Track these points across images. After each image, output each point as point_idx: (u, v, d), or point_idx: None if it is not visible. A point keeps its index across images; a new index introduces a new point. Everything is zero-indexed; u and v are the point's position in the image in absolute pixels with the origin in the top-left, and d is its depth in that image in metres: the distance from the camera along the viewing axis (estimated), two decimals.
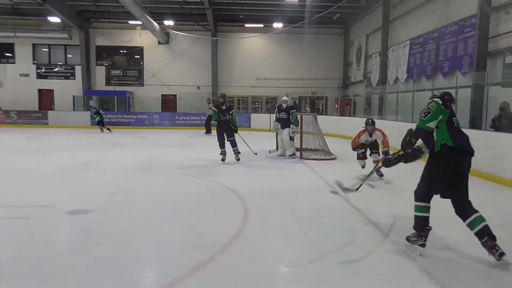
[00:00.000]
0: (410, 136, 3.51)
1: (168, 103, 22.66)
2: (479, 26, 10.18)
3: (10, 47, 22.20)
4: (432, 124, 3.36)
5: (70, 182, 6.65)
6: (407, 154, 3.70)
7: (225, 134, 8.60)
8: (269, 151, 10.22)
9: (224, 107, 8.64)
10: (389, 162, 4.00)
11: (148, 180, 7.04)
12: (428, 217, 3.46)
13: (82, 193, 5.74)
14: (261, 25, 21.71)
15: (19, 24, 21.36)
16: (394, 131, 8.41)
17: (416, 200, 3.50)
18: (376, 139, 6.96)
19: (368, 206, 5.06)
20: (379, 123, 12.19)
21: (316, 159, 9.32)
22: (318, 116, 11.17)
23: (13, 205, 5.05)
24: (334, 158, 9.53)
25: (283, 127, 9.65)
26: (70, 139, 13.94)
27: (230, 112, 8.66)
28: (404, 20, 15.14)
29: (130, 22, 20.50)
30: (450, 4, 12.03)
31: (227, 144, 8.61)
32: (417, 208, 3.48)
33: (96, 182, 6.62)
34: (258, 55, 22.65)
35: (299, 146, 9.84)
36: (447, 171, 3.33)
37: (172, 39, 22.37)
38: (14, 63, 22.35)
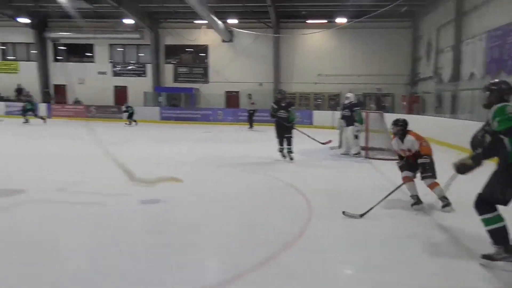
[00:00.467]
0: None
1: (232, 99, 23.22)
2: None
3: (90, 48, 24.10)
4: None
5: (141, 173, 7.13)
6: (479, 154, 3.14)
7: (282, 131, 8.54)
8: (330, 148, 10.14)
9: (284, 104, 8.61)
10: (464, 166, 3.17)
11: (213, 174, 7.33)
12: (505, 225, 3.03)
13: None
14: (324, 21, 21.41)
15: (98, 26, 23.00)
16: (468, 132, 7.95)
17: (481, 214, 3.09)
18: (414, 147, 4.93)
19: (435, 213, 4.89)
20: (451, 123, 11.41)
21: (382, 159, 9.04)
22: (384, 114, 10.82)
23: (93, 192, 5.54)
24: None
25: (347, 125, 9.51)
26: (140, 133, 14.85)
27: (290, 109, 8.57)
28: (480, 11, 14.17)
29: (196, 21, 21.30)
30: None
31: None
32: (488, 221, 3.06)
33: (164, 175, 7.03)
34: (320, 51, 22.40)
35: (364, 145, 9.66)
36: None
37: (235, 37, 22.84)
38: (93, 62, 24.20)
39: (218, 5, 20.20)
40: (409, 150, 4.98)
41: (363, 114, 9.71)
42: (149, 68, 23.56)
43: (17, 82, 23.94)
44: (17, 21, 21.75)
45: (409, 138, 4.95)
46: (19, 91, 23.47)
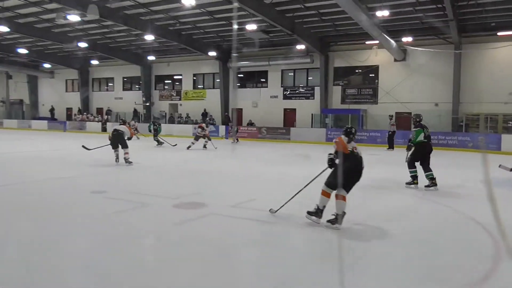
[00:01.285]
0: None
1: (402, 120, 21.93)
2: None
3: (264, 74, 26.32)
4: None
5: (308, 193, 7.29)
6: None
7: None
8: None
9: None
10: None
11: (385, 199, 7.00)
12: None
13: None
14: None
15: (272, 54, 25.07)
16: None
17: None
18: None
19: None
20: None
21: None
22: None
23: (261, 209, 5.88)
24: None
25: None
26: (308, 153, 15.31)
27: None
28: None
29: (367, 42, 21.06)
30: None
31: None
32: None
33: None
34: None
35: None
36: None
37: (409, 55, 21.65)
38: (266, 87, 26.31)
39: (392, 24, 19.55)
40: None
41: None
42: (317, 90, 24.27)
43: (204, 107, 27.74)
44: (207, 55, 25.35)
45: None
46: (204, 115, 27.15)
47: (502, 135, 17.35)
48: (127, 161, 10.46)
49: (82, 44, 24.97)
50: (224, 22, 21.10)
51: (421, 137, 7.97)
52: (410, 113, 21.49)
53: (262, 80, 26.66)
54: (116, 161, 10.59)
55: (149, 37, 22.05)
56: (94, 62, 30.91)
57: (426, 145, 8.04)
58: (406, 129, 20.90)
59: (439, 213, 6.02)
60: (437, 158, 14.15)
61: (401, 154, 9.65)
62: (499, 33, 19.00)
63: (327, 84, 23.84)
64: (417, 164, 8.03)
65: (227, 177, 9.04)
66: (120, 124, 11.46)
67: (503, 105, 19.36)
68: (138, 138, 20.04)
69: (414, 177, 8.03)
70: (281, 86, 25.86)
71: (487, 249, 4.19)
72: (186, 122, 27.27)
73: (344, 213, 4.83)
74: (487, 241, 4.50)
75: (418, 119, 8.27)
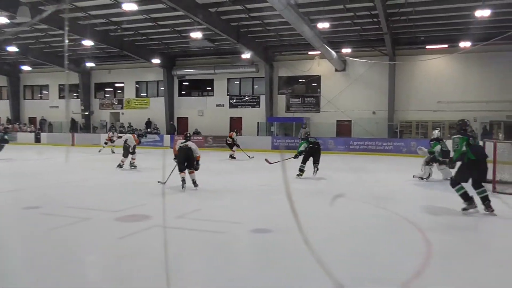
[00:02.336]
0: None
1: (343, 128, 22.88)
2: None
3: (210, 82, 26.28)
4: None
5: (255, 201, 7.40)
6: None
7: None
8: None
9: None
10: None
11: (323, 203, 7.25)
12: None
13: (265, 213, 6.32)
14: (445, 46, 20.08)
15: (218, 62, 25.13)
16: None
17: None
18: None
19: None
20: None
21: None
22: None
23: (207, 219, 5.90)
24: None
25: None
26: (254, 162, 15.45)
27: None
28: None
29: (310, 53, 21.84)
30: None
31: None
32: None
33: (277, 203, 7.18)
34: (440, 77, 20.93)
35: (491, 178, 8.61)
36: None
37: (348, 66, 22.70)
38: (213, 95, 26.28)
39: (332, 36, 20.42)
40: None
41: (492, 143, 8.74)
42: (262, 99, 24.64)
43: (147, 116, 27.06)
44: (150, 62, 24.85)
45: None
46: (148, 124, 26.51)
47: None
48: (132, 165, 12.03)
49: (12, 49, 23.38)
50: (168, 29, 20.84)
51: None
52: (350, 120, 22.54)
53: (208, 88, 26.59)
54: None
55: (88, 43, 21.18)
56: (26, 68, 29.00)
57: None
58: (347, 136, 21.89)
59: (376, 215, 6.35)
60: (376, 164, 14.94)
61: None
62: (428, 47, 20.58)
63: (272, 93, 24.30)
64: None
65: (171, 188, 8.90)
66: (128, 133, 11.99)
67: (432, 113, 20.88)
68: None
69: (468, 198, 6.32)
70: (227, 95, 25.95)
71: (418, 247, 4.49)
72: (128, 132, 26.41)
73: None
74: (418, 239, 4.82)
75: (464, 127, 6.66)
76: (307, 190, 8.70)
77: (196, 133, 24.80)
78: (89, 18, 19.27)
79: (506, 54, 19.06)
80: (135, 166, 12.21)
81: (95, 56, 25.97)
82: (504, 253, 4.45)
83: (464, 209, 6.22)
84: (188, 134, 9.45)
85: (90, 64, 26.92)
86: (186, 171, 8.35)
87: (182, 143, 8.54)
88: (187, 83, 27.22)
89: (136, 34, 21.96)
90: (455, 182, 6.34)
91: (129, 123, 27.00)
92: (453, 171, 8.69)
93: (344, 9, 16.92)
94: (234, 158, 16.51)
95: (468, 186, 6.22)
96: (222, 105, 25.90)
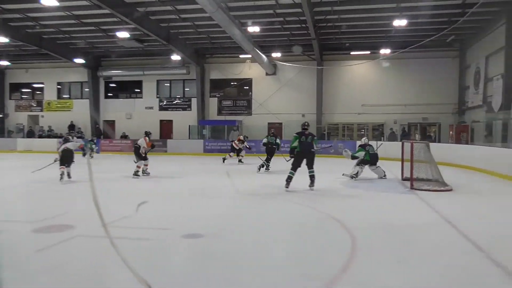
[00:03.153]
0: None
1: (275, 130, 23.30)
2: None
3: (139, 84, 25.40)
4: None
5: (187, 206, 7.25)
6: None
7: None
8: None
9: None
10: None
11: (257, 206, 7.30)
12: None
13: (196, 217, 6.20)
14: (368, 52, 21.41)
15: (147, 63, 24.41)
16: None
17: None
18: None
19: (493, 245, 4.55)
20: (503, 152, 11.13)
21: (429, 190, 8.69)
22: (430, 144, 10.44)
23: (137, 226, 5.66)
24: (450, 190, 8.79)
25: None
26: (185, 166, 15.18)
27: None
28: None
29: (241, 56, 22.03)
30: None
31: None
32: None
33: (209, 207, 7.10)
34: (364, 82, 22.28)
35: (409, 176, 9.32)
36: None
37: (279, 70, 23.25)
38: (141, 97, 25.41)
39: (263, 40, 20.79)
40: None
41: (409, 144, 9.43)
42: (194, 102, 24.34)
43: (70, 119, 25.46)
44: (73, 62, 23.41)
45: None
46: (71, 127, 24.95)
47: (357, 142, 19.64)
48: (144, 172, 11.26)
49: None
50: (93, 28, 19.76)
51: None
52: (281, 123, 23.07)
53: (136, 90, 25.66)
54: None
55: (1, 39, 19.41)
56: None
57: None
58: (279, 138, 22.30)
59: (303, 214, 6.53)
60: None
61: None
62: (352, 53, 21.80)
63: (203, 95, 24.11)
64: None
65: (97, 195, 8.41)
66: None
67: (357, 115, 22.11)
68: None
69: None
70: (157, 97, 25.26)
71: (344, 244, 4.68)
72: (49, 136, 24.57)
73: None
74: (344, 236, 5.03)
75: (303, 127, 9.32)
76: (238, 192, 8.72)
77: (124, 136, 23.79)
78: (2, 12, 17.69)
79: (421, 61, 20.86)
80: (148, 173, 11.39)
81: (10, 53, 23.91)
82: (425, 245, 4.78)
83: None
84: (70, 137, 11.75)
85: (4, 63, 24.73)
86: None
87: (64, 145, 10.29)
88: (114, 85, 26.04)
89: (57, 31, 20.57)
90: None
91: (49, 126, 25.20)
92: (386, 170, 9.71)
93: (274, 14, 17.30)
94: (242, 162, 16.40)
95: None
96: (151, 108, 25.17)
